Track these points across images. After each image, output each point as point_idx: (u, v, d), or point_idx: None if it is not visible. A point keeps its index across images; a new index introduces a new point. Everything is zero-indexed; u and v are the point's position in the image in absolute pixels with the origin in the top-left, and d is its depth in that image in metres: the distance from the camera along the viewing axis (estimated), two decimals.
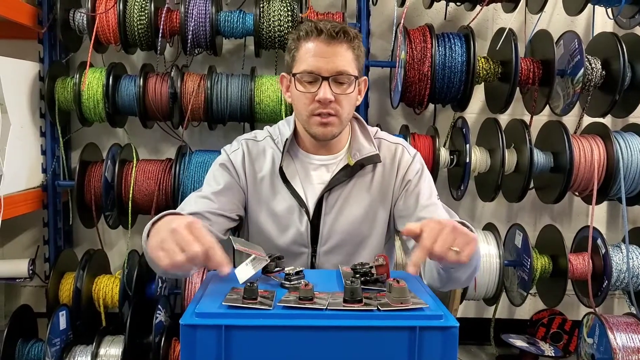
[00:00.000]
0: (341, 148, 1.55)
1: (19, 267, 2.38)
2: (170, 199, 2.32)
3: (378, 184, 1.53)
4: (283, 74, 1.52)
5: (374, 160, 1.52)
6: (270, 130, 1.59)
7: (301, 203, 1.50)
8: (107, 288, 2.36)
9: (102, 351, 2.21)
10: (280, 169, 1.51)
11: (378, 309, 0.96)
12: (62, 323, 2.21)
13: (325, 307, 0.96)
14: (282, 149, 1.51)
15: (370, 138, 1.55)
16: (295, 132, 1.54)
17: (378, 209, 1.54)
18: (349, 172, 1.51)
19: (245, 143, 1.57)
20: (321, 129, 1.43)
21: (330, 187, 1.50)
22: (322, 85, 1.38)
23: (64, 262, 2.43)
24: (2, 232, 2.66)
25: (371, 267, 1.13)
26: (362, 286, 1.04)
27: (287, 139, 1.50)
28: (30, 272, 2.39)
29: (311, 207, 1.51)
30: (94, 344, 2.19)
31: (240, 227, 1.63)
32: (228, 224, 1.51)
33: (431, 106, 2.65)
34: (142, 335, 2.23)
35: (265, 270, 1.18)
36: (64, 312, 2.22)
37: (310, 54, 1.39)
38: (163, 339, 2.16)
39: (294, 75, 1.42)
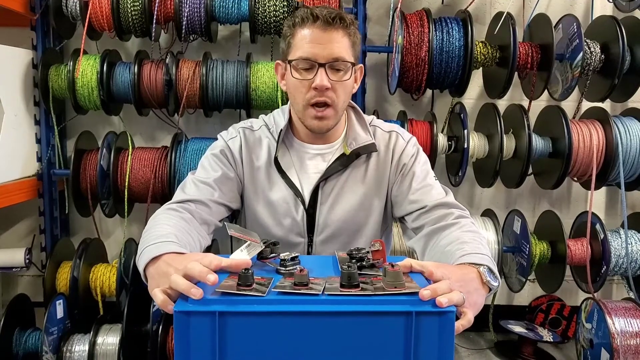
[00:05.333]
0: (337, 137, 1.54)
1: (15, 256, 2.37)
2: (167, 187, 2.31)
3: (373, 173, 1.52)
4: (278, 61, 1.50)
5: (369, 149, 1.51)
6: (266, 120, 1.58)
7: (297, 193, 1.50)
8: (104, 277, 2.36)
9: (99, 340, 2.20)
10: (276, 159, 1.50)
11: (373, 294, 0.95)
12: (60, 312, 2.21)
13: (320, 293, 0.95)
14: (277, 139, 1.49)
15: (366, 127, 1.54)
16: (290, 121, 1.53)
17: (373, 198, 1.53)
18: (344, 162, 1.50)
19: (243, 131, 1.55)
20: (316, 122, 1.42)
21: (326, 177, 1.49)
22: (319, 72, 1.37)
23: (61, 251, 2.42)
24: None
25: (367, 252, 1.12)
26: (358, 271, 1.03)
27: (281, 130, 1.49)
28: (27, 261, 2.38)
29: (307, 196, 1.51)
30: (92, 332, 2.19)
31: (238, 216, 1.63)
32: (225, 214, 1.51)
33: (429, 92, 2.63)
34: (140, 324, 2.23)
35: (261, 257, 1.17)
36: (61, 301, 2.22)
37: (306, 40, 1.38)
38: (160, 327, 2.16)
39: (289, 62, 1.41)
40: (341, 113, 1.47)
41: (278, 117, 1.55)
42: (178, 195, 1.45)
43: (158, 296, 1.01)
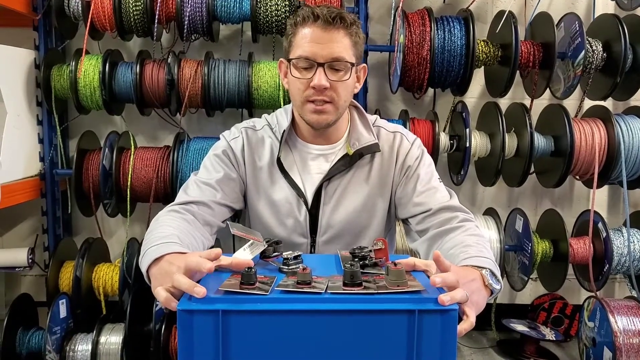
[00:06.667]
0: (340, 137, 1.54)
1: (18, 256, 2.38)
2: (169, 187, 2.31)
3: (377, 174, 1.52)
4: (281, 59, 1.50)
5: (373, 149, 1.50)
6: (269, 119, 1.58)
7: (299, 193, 1.50)
8: (107, 276, 2.36)
9: (102, 339, 2.21)
10: (278, 159, 1.50)
11: (376, 292, 0.95)
12: (63, 311, 2.21)
13: (323, 291, 0.95)
14: (279, 139, 1.49)
15: (369, 127, 1.53)
16: (293, 121, 1.53)
17: (377, 199, 1.53)
18: (347, 162, 1.50)
19: (245, 131, 1.55)
20: (315, 117, 1.42)
21: (329, 177, 1.49)
22: (317, 71, 1.37)
23: (64, 251, 2.43)
24: (1, 221, 2.67)
25: (370, 251, 1.13)
26: (361, 270, 1.03)
27: (284, 130, 1.49)
28: (30, 261, 2.39)
29: (310, 197, 1.50)
30: (95, 332, 2.20)
31: (241, 215, 1.63)
32: (228, 214, 1.51)
33: (430, 91, 2.63)
34: (143, 323, 2.23)
35: (263, 255, 1.17)
36: (64, 300, 2.22)
37: (306, 39, 1.38)
38: (163, 326, 2.16)
39: (289, 60, 1.41)
40: (342, 110, 1.47)
41: (281, 117, 1.55)
42: (180, 196, 1.46)
43: (161, 294, 1.01)
